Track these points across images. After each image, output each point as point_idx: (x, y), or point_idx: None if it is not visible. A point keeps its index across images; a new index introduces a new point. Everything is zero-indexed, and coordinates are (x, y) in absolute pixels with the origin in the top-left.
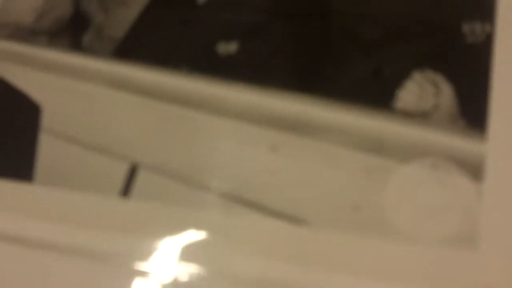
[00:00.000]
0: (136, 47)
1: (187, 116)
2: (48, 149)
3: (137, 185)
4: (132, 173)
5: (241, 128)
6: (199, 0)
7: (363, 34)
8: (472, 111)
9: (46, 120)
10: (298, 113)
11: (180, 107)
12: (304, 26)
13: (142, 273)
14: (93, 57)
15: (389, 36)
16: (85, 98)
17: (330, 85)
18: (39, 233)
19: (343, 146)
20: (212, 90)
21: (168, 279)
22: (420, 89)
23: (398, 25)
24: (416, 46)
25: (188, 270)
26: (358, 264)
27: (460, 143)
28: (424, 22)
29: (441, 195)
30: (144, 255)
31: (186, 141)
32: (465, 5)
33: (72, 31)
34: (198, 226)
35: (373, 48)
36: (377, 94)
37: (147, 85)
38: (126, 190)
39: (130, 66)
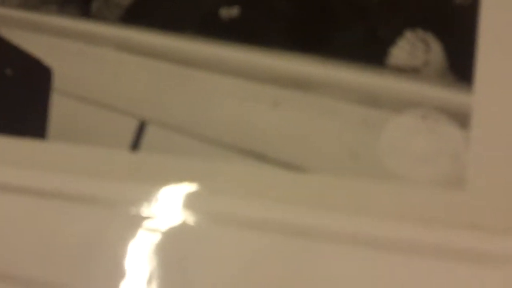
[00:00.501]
0: (142, 13)
1: (192, 75)
2: (60, 108)
3: (146, 140)
4: (140, 128)
5: (244, 85)
6: None
7: None
8: (460, 66)
9: (58, 82)
10: (298, 71)
11: (185, 67)
12: None
13: (145, 218)
14: (101, 23)
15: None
16: (94, 61)
17: (327, 45)
18: (52, 184)
19: (340, 100)
20: (216, 51)
21: (171, 225)
22: (411, 46)
23: None
24: (408, 7)
25: (190, 217)
26: (354, 204)
27: (448, 95)
28: None
29: (431, 142)
30: (150, 202)
31: (191, 99)
32: None
33: (81, 0)
34: (201, 175)
35: (367, 10)
36: (371, 52)
37: (153, 47)
38: (135, 144)
39: (137, 30)
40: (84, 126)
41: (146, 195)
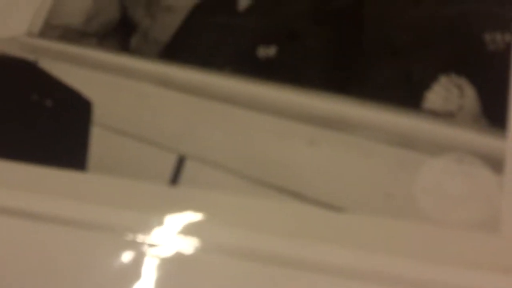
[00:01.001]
0: (181, 50)
1: (230, 112)
2: (99, 142)
3: (185, 175)
4: (179, 163)
5: (281, 124)
6: (239, 7)
7: (394, 39)
8: (493, 111)
9: (97, 115)
10: (334, 110)
11: (223, 104)
12: (338, 30)
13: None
14: (140, 58)
15: (418, 42)
16: (133, 95)
17: (363, 87)
18: (89, 215)
19: (376, 141)
20: (253, 89)
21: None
22: (446, 91)
23: (427, 32)
24: (443, 53)
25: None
26: (387, 244)
27: (482, 139)
28: (450, 31)
29: (465, 186)
30: (190, 234)
31: (229, 135)
32: (487, 16)
33: (120, 35)
34: (236, 210)
35: (403, 53)
36: (407, 96)
37: (192, 84)
38: (174, 179)
39: (175, 66)
40: (124, 160)
41: (185, 229)
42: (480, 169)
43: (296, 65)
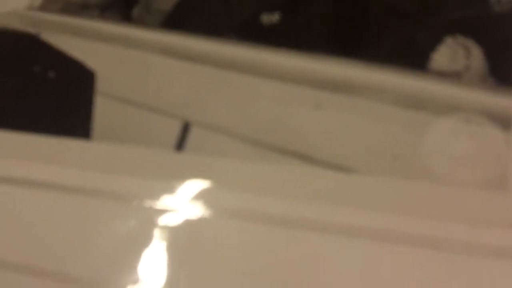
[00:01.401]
0: (183, 19)
1: (235, 79)
2: (103, 111)
3: (190, 141)
4: (184, 130)
5: (286, 89)
6: None
7: (400, 4)
8: (500, 71)
9: (101, 85)
10: (340, 74)
11: (227, 71)
12: None
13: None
14: (143, 28)
15: (422, 5)
16: (137, 65)
17: (368, 52)
18: (95, 182)
19: (383, 103)
20: (257, 55)
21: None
22: (452, 51)
23: None
24: (448, 15)
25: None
26: (396, 204)
27: (490, 98)
28: None
29: (473, 144)
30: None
31: (235, 102)
32: None
33: (122, 6)
34: (245, 176)
35: (409, 16)
36: (413, 59)
37: (195, 52)
38: (180, 145)
39: (178, 35)
40: (128, 128)
41: (191, 193)
42: (488, 128)
43: (300, 31)
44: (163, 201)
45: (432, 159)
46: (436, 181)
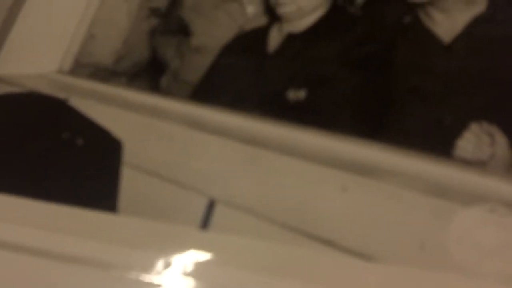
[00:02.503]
0: (211, 91)
1: (261, 155)
2: (130, 182)
3: (215, 219)
4: (210, 207)
5: (313, 169)
6: (268, 50)
7: (425, 86)
8: None
9: (127, 155)
10: (366, 157)
11: (254, 147)
12: (368, 75)
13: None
14: (170, 98)
15: (448, 90)
16: (163, 136)
17: (394, 133)
18: (121, 258)
19: (409, 189)
20: (284, 132)
21: None
22: (477, 138)
23: (457, 79)
24: (473, 99)
25: None
26: None
27: None
28: (480, 78)
29: (499, 236)
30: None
31: (260, 179)
32: None
33: (150, 74)
34: (267, 258)
35: (433, 100)
36: (438, 143)
37: (222, 126)
38: (205, 223)
39: (205, 107)
40: (154, 201)
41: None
42: None
43: (327, 109)
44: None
45: (457, 250)
46: (461, 272)
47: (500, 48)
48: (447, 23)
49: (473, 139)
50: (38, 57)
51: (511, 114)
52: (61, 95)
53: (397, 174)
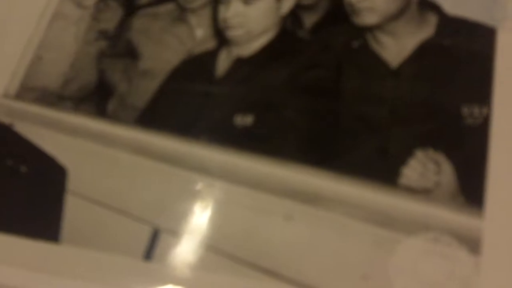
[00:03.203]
0: (157, 116)
1: (206, 183)
2: (74, 210)
3: (159, 248)
4: (154, 237)
5: (258, 196)
6: (216, 74)
7: (371, 113)
8: (471, 189)
9: (72, 182)
10: (311, 185)
11: (198, 174)
12: (316, 102)
13: None
14: (117, 124)
15: (393, 117)
16: (109, 163)
17: (340, 161)
18: None
19: (353, 218)
20: (229, 159)
21: None
22: (423, 167)
23: (402, 107)
24: (419, 127)
25: None
26: None
27: (459, 218)
28: (426, 104)
29: (442, 266)
30: None
31: (205, 208)
32: (464, 89)
33: (97, 99)
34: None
35: (379, 127)
36: (382, 170)
37: (168, 152)
38: (149, 252)
39: (151, 133)
40: (98, 230)
41: None
42: (457, 249)
43: (273, 135)
44: None
45: (400, 280)
46: None
47: (447, 74)
48: (395, 47)
49: (419, 167)
50: None
51: (457, 141)
52: (6, 120)
53: (341, 202)
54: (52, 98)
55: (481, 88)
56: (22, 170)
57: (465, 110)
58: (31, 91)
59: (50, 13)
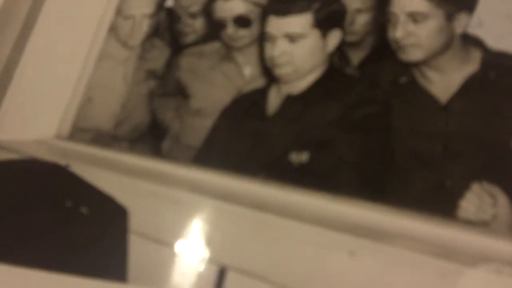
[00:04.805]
0: (212, 155)
1: (268, 220)
2: (137, 250)
3: (227, 286)
4: (221, 275)
5: (321, 233)
6: (268, 112)
7: (424, 148)
8: None
9: (133, 222)
10: (372, 220)
11: (260, 212)
12: (369, 138)
13: None
14: (174, 163)
15: (447, 152)
16: (168, 202)
17: (396, 195)
18: None
19: (415, 251)
20: (289, 196)
21: None
22: (479, 199)
23: (454, 142)
24: (472, 161)
25: None
26: None
27: None
28: (477, 139)
29: None
30: None
31: (269, 245)
32: None
33: (151, 138)
34: None
35: (433, 162)
36: (440, 204)
37: (226, 190)
38: None
39: (208, 172)
40: (164, 270)
41: None
42: None
43: (328, 172)
44: None
45: None
46: None
47: (495, 108)
48: (443, 82)
49: (475, 200)
50: (35, 122)
51: (509, 173)
52: (61, 160)
53: (402, 236)
54: (106, 139)
55: None
56: (82, 211)
57: None
58: (83, 132)
59: (96, 53)
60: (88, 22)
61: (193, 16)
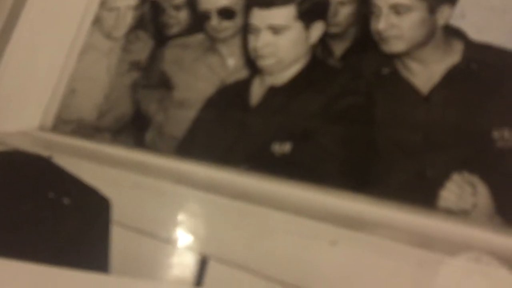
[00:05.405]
0: (196, 146)
1: (250, 210)
2: (120, 241)
3: (208, 276)
4: (203, 264)
5: (302, 223)
6: (251, 103)
7: (405, 139)
8: (507, 209)
9: (115, 213)
10: (353, 210)
11: (242, 202)
12: (351, 129)
13: None
14: (158, 154)
15: (428, 142)
16: (151, 193)
17: (378, 185)
18: None
19: (396, 241)
20: (272, 187)
21: None
22: (460, 189)
23: (435, 132)
24: (453, 151)
25: None
26: None
27: (498, 238)
28: (458, 129)
29: (484, 285)
30: None
31: (251, 235)
32: (493, 113)
33: (135, 129)
34: None
35: (415, 152)
36: (421, 194)
37: (209, 181)
38: (198, 280)
39: (192, 163)
40: (145, 260)
41: None
42: (497, 268)
43: (311, 162)
44: None
45: None
46: None
47: (476, 99)
48: (425, 73)
49: (456, 189)
50: (18, 114)
51: (489, 163)
52: (44, 152)
53: (383, 226)
54: (89, 130)
55: (510, 112)
56: (65, 202)
57: (495, 134)
58: (67, 123)
59: (80, 45)
60: (72, 14)
61: (177, 8)
